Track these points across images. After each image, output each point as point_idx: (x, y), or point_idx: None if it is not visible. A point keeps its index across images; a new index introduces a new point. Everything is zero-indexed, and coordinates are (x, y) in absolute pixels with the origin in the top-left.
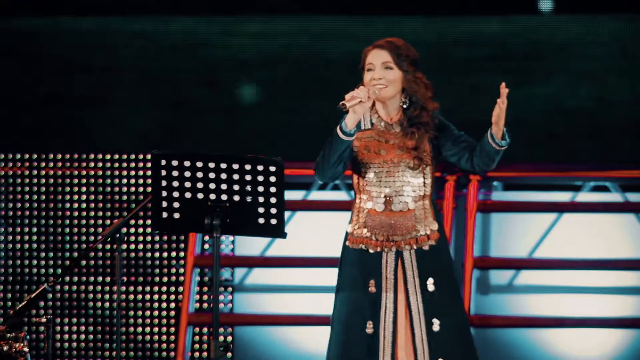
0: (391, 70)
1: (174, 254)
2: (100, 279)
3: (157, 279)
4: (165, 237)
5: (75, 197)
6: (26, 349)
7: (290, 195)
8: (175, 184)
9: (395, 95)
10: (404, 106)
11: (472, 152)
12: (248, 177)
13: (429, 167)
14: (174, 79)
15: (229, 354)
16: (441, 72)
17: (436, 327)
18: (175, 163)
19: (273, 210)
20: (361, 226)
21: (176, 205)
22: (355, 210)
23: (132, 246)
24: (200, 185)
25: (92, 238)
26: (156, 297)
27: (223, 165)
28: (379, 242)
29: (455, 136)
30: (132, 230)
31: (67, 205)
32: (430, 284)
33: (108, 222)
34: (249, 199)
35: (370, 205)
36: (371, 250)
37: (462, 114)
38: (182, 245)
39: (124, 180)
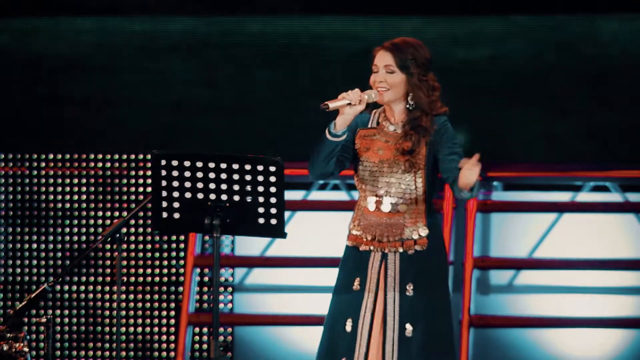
0: (393, 73)
1: (174, 254)
2: (100, 279)
3: (157, 279)
4: (165, 237)
5: (75, 197)
6: (26, 349)
7: (290, 195)
8: (175, 184)
9: (399, 98)
10: (410, 109)
11: (455, 179)
12: (248, 177)
13: (421, 171)
14: (174, 79)
15: (229, 354)
16: (441, 72)
17: (409, 332)
18: (175, 163)
19: (273, 210)
20: (356, 224)
21: (176, 205)
22: (355, 208)
23: (132, 246)
24: (200, 185)
25: (92, 238)
26: (156, 297)
27: (223, 165)
28: (368, 241)
29: (449, 152)
30: (132, 230)
31: (67, 205)
32: (410, 289)
33: (108, 222)
34: (249, 199)
35: (365, 204)
36: (361, 249)
37: (461, 115)
38: (182, 245)
39: (124, 180)
